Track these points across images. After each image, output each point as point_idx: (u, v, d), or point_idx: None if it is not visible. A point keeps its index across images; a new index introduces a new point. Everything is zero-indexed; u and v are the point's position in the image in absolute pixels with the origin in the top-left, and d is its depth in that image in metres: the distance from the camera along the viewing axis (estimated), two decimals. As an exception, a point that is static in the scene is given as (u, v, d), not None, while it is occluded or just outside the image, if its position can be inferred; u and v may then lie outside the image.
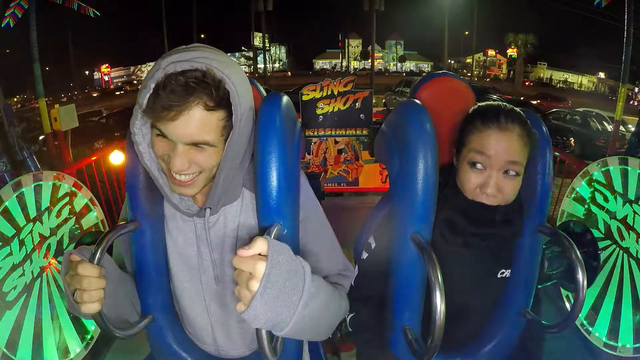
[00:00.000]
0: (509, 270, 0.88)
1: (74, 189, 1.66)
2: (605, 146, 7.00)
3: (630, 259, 1.50)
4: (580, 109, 9.83)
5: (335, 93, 2.52)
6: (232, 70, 0.63)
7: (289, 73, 38.93)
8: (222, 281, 0.77)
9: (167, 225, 0.79)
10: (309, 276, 0.57)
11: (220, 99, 0.62)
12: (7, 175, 1.47)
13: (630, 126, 8.12)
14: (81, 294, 0.62)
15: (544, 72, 39.18)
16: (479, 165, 0.77)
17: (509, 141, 0.76)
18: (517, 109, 0.80)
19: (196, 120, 0.61)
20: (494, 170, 0.76)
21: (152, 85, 0.60)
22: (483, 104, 0.85)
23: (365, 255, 0.89)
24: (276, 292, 0.53)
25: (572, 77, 37.19)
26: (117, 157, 2.56)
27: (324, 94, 2.53)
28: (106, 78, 36.62)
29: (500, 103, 0.82)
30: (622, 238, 1.54)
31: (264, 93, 0.89)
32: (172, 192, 0.71)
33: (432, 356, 0.69)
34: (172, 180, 0.67)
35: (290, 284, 0.54)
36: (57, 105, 4.39)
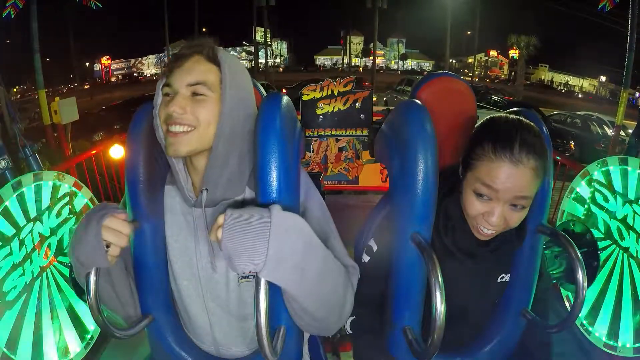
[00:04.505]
0: (509, 275, 0.88)
1: (74, 188, 1.66)
2: (605, 150, 6.97)
3: (630, 259, 1.50)
4: (581, 112, 9.81)
5: (335, 93, 2.52)
6: (225, 53, 0.74)
7: (281, 69, 40.09)
8: (216, 274, 0.77)
9: (166, 219, 0.79)
10: (277, 208, 0.61)
11: (215, 59, 0.73)
12: (9, 173, 1.47)
13: (630, 131, 8.07)
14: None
15: (545, 74, 39.17)
16: (484, 197, 0.72)
17: (521, 176, 0.68)
18: (536, 130, 0.73)
19: (198, 64, 0.72)
20: (500, 202, 0.71)
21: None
22: (497, 117, 0.76)
23: (366, 258, 0.88)
24: (242, 223, 0.58)
25: (573, 80, 37.18)
26: (117, 151, 2.55)
27: (324, 94, 2.53)
28: (106, 70, 36.87)
29: (517, 120, 0.73)
30: (622, 238, 1.54)
31: (264, 93, 0.89)
32: (181, 175, 0.76)
33: (432, 356, 0.69)
34: (168, 137, 0.71)
35: (257, 215, 0.59)
36: (57, 98, 4.34)
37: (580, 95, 32.89)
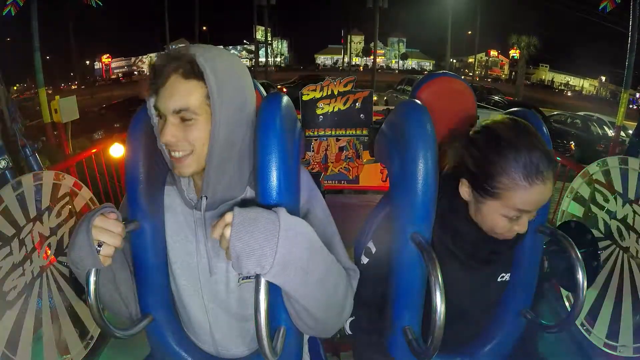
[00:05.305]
0: (509, 274, 0.88)
1: (74, 188, 1.66)
2: (605, 151, 6.96)
3: (630, 259, 1.50)
4: (581, 113, 9.80)
5: (335, 93, 2.52)
6: (210, 52, 0.68)
7: (275, 69, 39.75)
8: (216, 275, 0.78)
9: (166, 219, 0.79)
10: (284, 211, 0.60)
11: (195, 72, 0.68)
12: (9, 173, 1.47)
13: (630, 131, 8.06)
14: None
15: (546, 74, 39.10)
16: (514, 217, 0.74)
17: (549, 189, 0.72)
18: (539, 134, 0.74)
19: (177, 87, 0.68)
20: (528, 214, 0.74)
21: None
22: (513, 140, 0.71)
23: (365, 260, 0.88)
24: (250, 224, 0.57)
25: (573, 80, 37.10)
26: (117, 150, 2.55)
27: (324, 94, 2.52)
28: (107, 68, 36.89)
29: (528, 131, 0.73)
30: (622, 238, 1.54)
31: (264, 93, 0.89)
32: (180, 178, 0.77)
33: (432, 356, 0.69)
34: (172, 160, 0.72)
35: (264, 217, 0.58)
36: (57, 97, 4.31)
37: (570, 94, 32.87)
